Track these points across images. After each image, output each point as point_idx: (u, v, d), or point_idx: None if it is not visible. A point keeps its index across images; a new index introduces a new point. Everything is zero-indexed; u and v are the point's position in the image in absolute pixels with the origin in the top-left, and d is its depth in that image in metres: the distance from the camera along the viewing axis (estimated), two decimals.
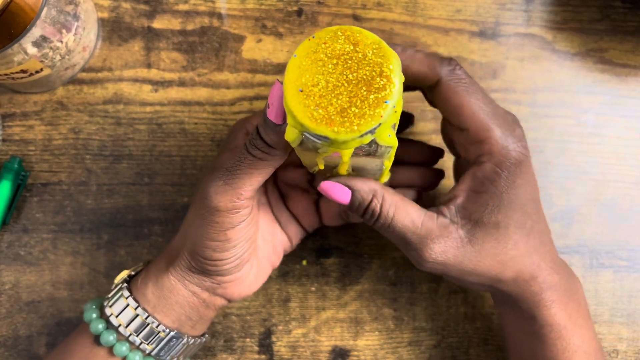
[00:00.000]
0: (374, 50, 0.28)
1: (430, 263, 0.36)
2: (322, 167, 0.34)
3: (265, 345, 0.46)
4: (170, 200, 0.46)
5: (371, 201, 0.36)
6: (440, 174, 0.43)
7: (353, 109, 0.28)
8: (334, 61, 0.28)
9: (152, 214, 0.46)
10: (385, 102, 0.28)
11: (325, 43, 0.29)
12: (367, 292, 0.46)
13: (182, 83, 0.47)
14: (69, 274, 0.46)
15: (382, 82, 0.28)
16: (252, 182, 0.35)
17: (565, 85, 0.48)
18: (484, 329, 0.47)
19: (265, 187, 0.42)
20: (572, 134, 0.47)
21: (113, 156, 0.46)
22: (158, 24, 0.47)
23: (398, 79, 0.28)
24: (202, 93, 0.47)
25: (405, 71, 0.34)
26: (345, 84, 0.28)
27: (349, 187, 0.36)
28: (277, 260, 0.42)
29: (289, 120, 0.29)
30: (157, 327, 0.38)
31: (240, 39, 0.47)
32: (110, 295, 0.39)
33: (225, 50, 0.47)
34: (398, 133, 0.40)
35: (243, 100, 0.47)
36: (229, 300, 0.40)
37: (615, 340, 0.47)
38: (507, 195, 0.36)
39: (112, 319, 0.38)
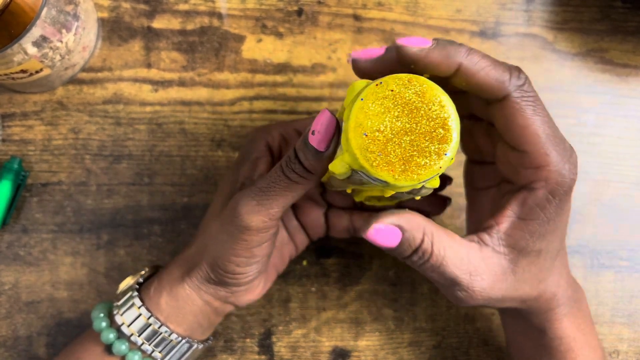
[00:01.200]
0: (439, 103, 0.29)
1: (477, 302, 0.34)
2: (349, 191, 0.35)
3: (266, 345, 0.46)
4: (170, 200, 0.46)
5: (422, 240, 0.33)
6: (447, 200, 0.43)
7: (415, 158, 0.29)
8: (400, 109, 0.29)
9: (152, 214, 0.46)
10: (446, 154, 0.29)
11: (392, 90, 0.29)
12: (367, 292, 0.46)
13: (182, 83, 0.47)
14: (69, 274, 0.46)
15: (443, 134, 0.29)
16: (284, 203, 0.35)
17: (565, 85, 0.48)
18: (484, 330, 0.47)
19: None
20: (573, 134, 0.47)
21: (113, 156, 0.46)
22: (158, 23, 0.47)
23: (457, 132, 0.29)
24: (202, 93, 0.47)
25: (467, 81, 0.32)
26: (409, 133, 0.29)
27: (400, 228, 0.32)
28: (282, 267, 0.42)
29: (345, 158, 0.30)
30: (169, 335, 0.38)
31: (241, 39, 0.47)
32: (119, 303, 0.39)
33: (225, 50, 0.47)
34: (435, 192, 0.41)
35: (243, 100, 0.47)
36: (236, 307, 0.40)
37: (616, 341, 0.47)
38: (553, 223, 0.34)
39: (124, 328, 0.38)
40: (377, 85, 0.29)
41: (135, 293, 0.39)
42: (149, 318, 0.38)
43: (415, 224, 0.33)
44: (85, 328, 0.45)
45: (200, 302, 0.39)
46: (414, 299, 0.46)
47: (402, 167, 0.29)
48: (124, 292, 0.40)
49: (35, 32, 0.39)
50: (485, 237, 0.34)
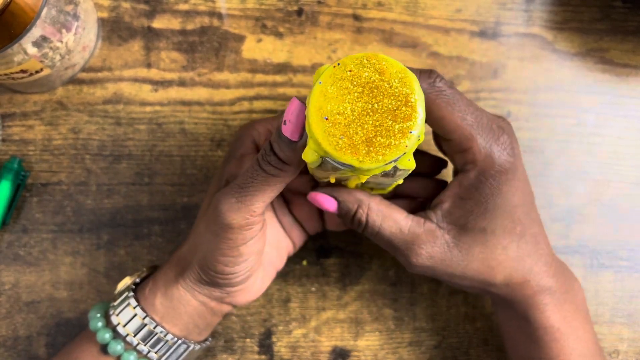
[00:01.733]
0: (400, 79, 0.28)
1: (419, 267, 0.38)
2: (333, 181, 0.34)
3: (266, 345, 0.46)
4: (170, 200, 0.46)
5: (356, 211, 0.37)
6: (443, 184, 0.43)
7: (379, 138, 0.28)
8: (360, 89, 0.28)
9: (152, 214, 0.46)
10: (411, 132, 0.28)
11: (350, 71, 0.29)
12: (367, 292, 0.46)
13: (182, 83, 0.47)
14: (69, 274, 0.46)
15: (407, 112, 0.28)
16: (264, 198, 0.35)
17: (565, 85, 0.48)
18: (484, 330, 0.47)
19: (273, 201, 0.41)
20: (573, 134, 0.47)
21: (113, 156, 0.46)
22: (158, 23, 0.47)
23: (422, 109, 0.28)
24: (202, 93, 0.47)
25: None
26: (371, 113, 0.28)
27: (334, 198, 0.37)
28: (280, 264, 0.42)
29: (310, 144, 0.29)
30: (165, 335, 0.38)
31: (241, 39, 0.47)
32: (116, 304, 0.39)
33: (225, 50, 0.47)
34: (430, 176, 0.42)
35: (243, 100, 0.47)
36: (235, 306, 0.40)
37: (616, 341, 0.46)
38: (492, 202, 0.37)
39: (120, 329, 0.38)
40: (334, 67, 0.29)
41: (131, 293, 0.39)
42: (144, 318, 0.38)
43: (351, 197, 0.37)
44: (84, 328, 0.45)
45: (196, 302, 0.39)
46: (414, 298, 0.46)
47: (366, 149, 0.28)
48: (121, 292, 0.40)
49: (35, 32, 0.39)
50: (431, 214, 0.38)
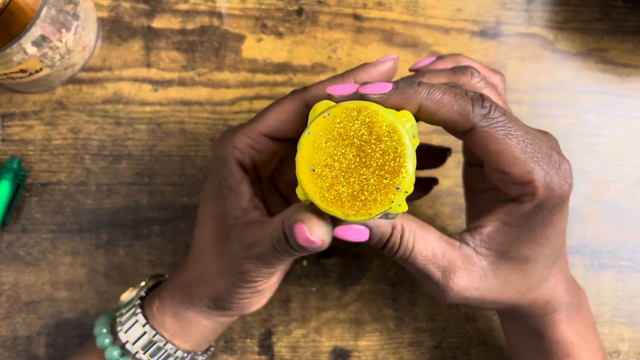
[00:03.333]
0: (389, 134, 0.28)
1: (452, 299, 0.35)
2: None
3: (266, 345, 0.46)
4: (170, 200, 0.46)
5: (391, 235, 0.33)
6: (434, 181, 0.43)
7: (365, 193, 0.28)
8: (348, 143, 0.28)
9: (152, 214, 0.46)
10: (397, 188, 0.28)
11: (340, 122, 0.29)
12: (367, 292, 0.46)
13: (182, 83, 0.47)
14: (68, 274, 0.46)
15: (395, 167, 0.28)
16: (281, 265, 0.35)
17: (566, 85, 0.48)
18: (484, 330, 0.47)
19: (268, 202, 0.41)
20: (574, 134, 0.47)
21: (112, 156, 0.46)
22: (158, 23, 0.47)
23: (412, 164, 0.28)
24: (202, 93, 0.47)
25: (431, 118, 0.32)
26: (358, 167, 0.28)
27: (366, 227, 0.33)
28: (287, 267, 0.42)
29: (298, 191, 0.30)
30: (174, 352, 0.38)
31: (240, 39, 0.47)
32: (122, 319, 0.39)
33: (225, 50, 0.47)
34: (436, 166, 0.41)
35: (243, 100, 0.47)
36: (242, 315, 0.41)
37: (616, 341, 0.46)
38: (540, 232, 0.34)
39: (129, 346, 0.38)
40: (324, 117, 0.29)
41: (139, 310, 0.39)
42: (154, 336, 0.38)
43: (381, 221, 0.33)
44: (84, 328, 0.45)
45: (207, 322, 0.39)
46: (414, 299, 0.46)
47: (351, 202, 0.28)
48: (126, 305, 0.39)
49: (34, 31, 0.38)
50: (468, 237, 0.35)
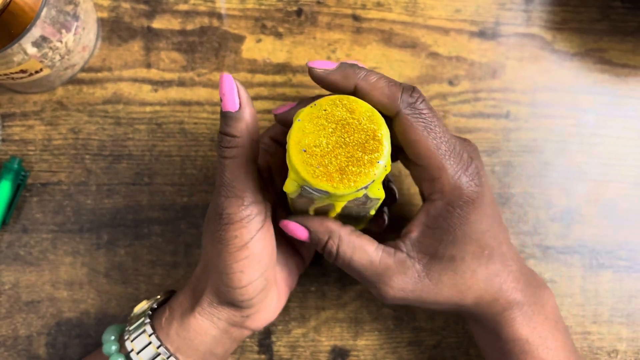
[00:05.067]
0: (368, 117, 0.32)
1: (391, 299, 0.38)
2: (312, 213, 0.37)
3: (265, 345, 0.46)
4: (170, 200, 0.46)
5: (327, 242, 0.37)
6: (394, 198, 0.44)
7: (350, 167, 0.32)
8: (333, 126, 0.32)
9: (152, 214, 0.46)
10: (378, 162, 0.32)
11: (325, 110, 0.32)
12: (366, 292, 0.46)
13: (181, 83, 0.47)
14: (69, 274, 0.46)
15: (375, 145, 0.32)
16: (247, 182, 0.35)
17: (565, 86, 0.48)
18: None
19: (272, 213, 0.41)
20: (572, 134, 0.47)
21: (113, 156, 0.46)
22: (158, 24, 0.47)
23: (388, 142, 0.32)
24: (201, 93, 0.47)
25: (365, 98, 0.35)
26: (343, 146, 0.32)
27: (306, 227, 0.37)
28: (294, 282, 0.42)
29: (290, 175, 0.33)
30: None
31: (240, 39, 0.47)
32: (131, 329, 0.39)
33: (225, 50, 0.47)
34: (388, 207, 0.44)
35: None
36: (254, 330, 0.40)
37: (614, 340, 0.47)
38: (460, 231, 0.37)
39: (133, 355, 0.38)
40: (311, 106, 0.32)
41: (147, 320, 0.39)
42: (158, 347, 0.38)
43: (322, 228, 0.37)
44: (85, 328, 0.45)
45: (215, 331, 0.38)
46: None
47: (339, 176, 0.32)
48: (137, 317, 0.39)
49: (35, 32, 0.39)
50: (401, 243, 0.38)
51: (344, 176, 0.32)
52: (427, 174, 0.36)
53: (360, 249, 0.37)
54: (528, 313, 0.38)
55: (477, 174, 0.37)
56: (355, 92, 0.35)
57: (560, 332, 0.39)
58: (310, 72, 0.36)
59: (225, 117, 0.35)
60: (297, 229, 0.37)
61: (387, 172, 0.33)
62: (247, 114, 0.35)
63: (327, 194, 0.32)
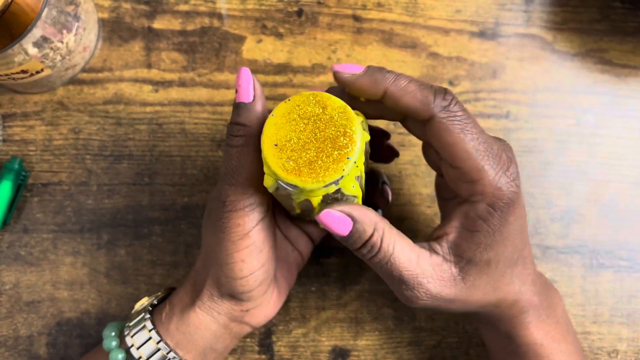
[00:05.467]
0: (340, 114, 0.33)
1: (421, 304, 0.36)
2: (298, 211, 0.37)
3: (266, 345, 0.46)
4: (170, 200, 0.46)
5: (372, 235, 0.34)
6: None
7: (319, 162, 0.32)
8: (305, 121, 0.33)
9: (152, 214, 0.46)
10: (348, 158, 0.32)
11: (298, 105, 0.33)
12: (367, 292, 0.47)
13: (182, 83, 0.47)
14: (69, 274, 0.46)
15: (345, 141, 0.32)
16: (252, 172, 0.35)
17: (565, 86, 0.48)
18: None
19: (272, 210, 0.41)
20: (572, 134, 0.47)
21: (113, 156, 0.46)
22: (158, 24, 0.47)
23: (360, 139, 0.32)
24: (202, 93, 0.47)
25: (395, 104, 0.35)
26: (314, 141, 0.32)
27: (351, 217, 0.34)
28: (292, 279, 0.42)
29: (265, 169, 0.33)
30: None
31: (241, 39, 0.47)
32: (131, 324, 0.39)
33: (226, 51, 0.47)
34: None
35: None
36: (253, 327, 0.40)
37: (615, 340, 0.47)
38: (499, 234, 0.35)
39: (133, 350, 0.38)
40: (285, 102, 0.33)
41: (148, 315, 0.39)
42: (158, 342, 0.38)
43: (367, 218, 0.34)
44: (85, 328, 0.45)
45: (215, 326, 0.38)
46: None
47: (308, 170, 0.32)
48: (138, 313, 0.39)
49: (36, 32, 0.39)
50: (436, 245, 0.36)
51: (313, 171, 0.32)
52: (465, 176, 0.35)
53: (401, 246, 0.35)
54: (542, 317, 0.38)
55: (517, 175, 0.36)
56: (385, 97, 0.35)
57: (571, 336, 0.39)
58: (336, 76, 0.35)
59: (238, 107, 0.35)
60: (341, 220, 0.34)
61: (360, 168, 0.33)
62: (259, 106, 0.35)
63: (297, 188, 0.32)
